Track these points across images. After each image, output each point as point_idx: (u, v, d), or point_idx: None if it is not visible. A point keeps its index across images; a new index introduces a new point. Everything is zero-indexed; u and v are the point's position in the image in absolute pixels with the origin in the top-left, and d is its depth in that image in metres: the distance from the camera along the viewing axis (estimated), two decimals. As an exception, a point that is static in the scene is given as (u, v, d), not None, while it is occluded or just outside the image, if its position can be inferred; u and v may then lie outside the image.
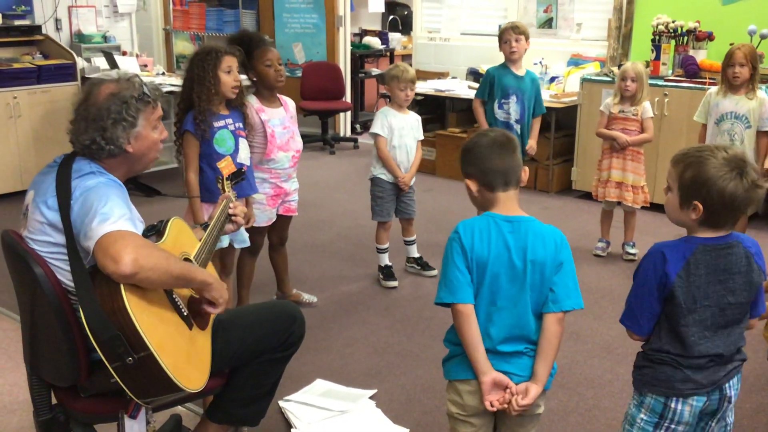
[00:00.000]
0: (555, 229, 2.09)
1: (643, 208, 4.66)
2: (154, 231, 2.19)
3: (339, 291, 4.22)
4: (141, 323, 1.86)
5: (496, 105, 4.56)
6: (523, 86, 4.55)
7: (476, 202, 2.14)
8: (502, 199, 2.08)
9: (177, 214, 2.47)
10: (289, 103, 3.75)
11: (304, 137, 8.02)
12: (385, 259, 4.33)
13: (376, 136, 4.17)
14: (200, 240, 2.39)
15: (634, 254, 4.62)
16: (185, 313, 2.11)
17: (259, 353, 2.37)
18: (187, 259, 2.22)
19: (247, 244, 3.45)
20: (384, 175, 4.21)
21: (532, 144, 4.59)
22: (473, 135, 2.18)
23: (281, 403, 3.01)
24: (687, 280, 1.91)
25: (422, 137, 4.31)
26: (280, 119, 3.64)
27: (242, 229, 3.36)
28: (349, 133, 8.37)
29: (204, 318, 2.24)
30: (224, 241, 3.29)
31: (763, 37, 4.87)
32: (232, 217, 2.66)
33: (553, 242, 2.06)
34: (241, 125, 3.32)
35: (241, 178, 2.95)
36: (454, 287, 2.02)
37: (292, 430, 2.88)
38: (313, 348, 3.50)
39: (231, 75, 3.20)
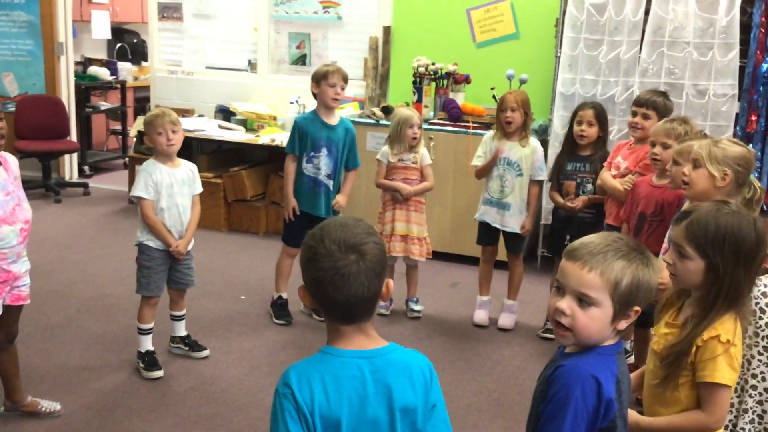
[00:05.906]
0: (420, 358, 1.60)
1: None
2: None
3: (88, 390, 3.37)
4: None
5: (304, 159, 4.10)
6: (335, 137, 4.13)
7: None
8: (350, 332, 1.55)
9: None
10: (11, 161, 2.93)
11: (23, 183, 6.65)
12: (148, 343, 3.56)
13: (139, 199, 3.44)
14: None
15: (419, 311, 4.35)
16: None
17: None
18: None
19: None
20: (152, 242, 3.48)
21: (339, 200, 4.18)
22: (317, 232, 1.54)
23: None
24: (619, 400, 1.56)
25: (201, 189, 3.64)
26: (1, 183, 2.80)
27: None
28: (76, 177, 7.29)
29: None
30: None
31: (522, 81, 4.91)
32: None
33: (422, 378, 1.56)
34: None
35: None
36: None
37: None
38: (63, 481, 2.68)
39: None
